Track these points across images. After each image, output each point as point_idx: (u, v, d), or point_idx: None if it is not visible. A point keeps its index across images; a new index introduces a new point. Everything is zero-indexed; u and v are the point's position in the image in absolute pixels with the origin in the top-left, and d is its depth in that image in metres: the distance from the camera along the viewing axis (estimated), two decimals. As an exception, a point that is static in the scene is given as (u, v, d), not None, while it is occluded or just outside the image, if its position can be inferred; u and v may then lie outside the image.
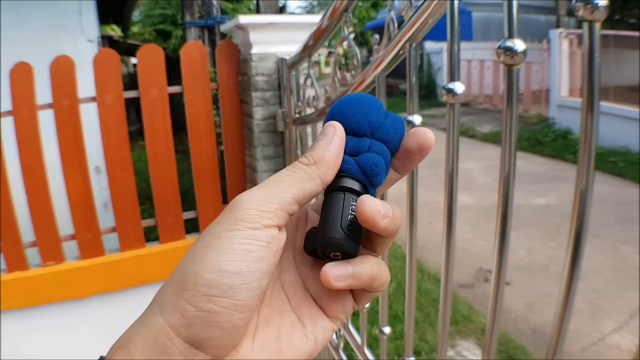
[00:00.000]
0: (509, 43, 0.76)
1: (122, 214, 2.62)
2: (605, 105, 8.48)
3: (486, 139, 10.36)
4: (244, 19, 2.36)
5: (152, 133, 2.56)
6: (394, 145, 0.43)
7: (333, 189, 0.41)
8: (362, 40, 24.93)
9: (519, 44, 0.76)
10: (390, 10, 1.24)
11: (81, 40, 4.38)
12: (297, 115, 2.28)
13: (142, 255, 2.66)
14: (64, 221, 2.62)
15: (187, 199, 3.03)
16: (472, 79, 14.40)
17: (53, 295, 2.63)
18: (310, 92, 2.08)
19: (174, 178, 2.64)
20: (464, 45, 15.15)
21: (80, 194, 2.56)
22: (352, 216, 0.39)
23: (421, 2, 1.09)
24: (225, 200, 2.80)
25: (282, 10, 3.76)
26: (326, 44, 1.90)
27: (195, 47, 2.60)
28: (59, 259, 2.62)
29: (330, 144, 0.40)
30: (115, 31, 11.69)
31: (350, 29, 1.61)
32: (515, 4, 0.78)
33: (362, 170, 0.41)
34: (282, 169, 0.41)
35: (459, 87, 0.96)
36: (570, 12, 12.48)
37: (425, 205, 6.07)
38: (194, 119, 2.62)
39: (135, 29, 11.57)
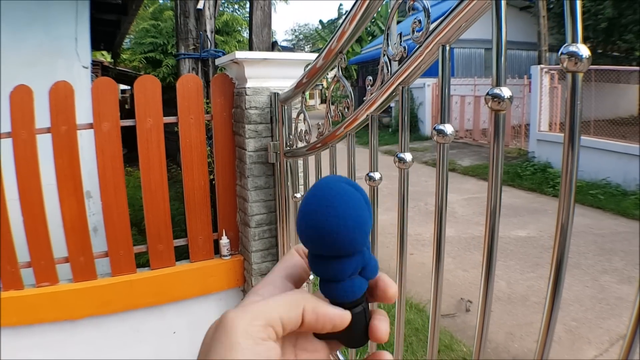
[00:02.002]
0: (497, 90, 0.86)
1: (115, 239, 2.65)
2: (585, 138, 8.73)
3: (466, 172, 10.52)
4: (240, 54, 2.45)
5: (147, 161, 2.61)
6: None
7: (356, 304, 0.43)
8: (346, 74, 25.24)
9: (505, 91, 0.85)
10: (384, 55, 1.33)
11: (76, 65, 4.40)
12: (289, 148, 2.36)
13: (133, 280, 2.68)
14: (58, 244, 2.64)
15: (175, 226, 3.07)
16: (453, 113, 14.56)
17: (47, 316, 2.64)
18: (302, 126, 2.15)
19: (166, 206, 2.69)
20: (438, 79, 15.46)
21: (74, 218, 2.59)
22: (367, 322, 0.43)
23: (415, 48, 1.18)
24: (215, 229, 2.85)
25: (273, 45, 3.84)
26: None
27: (191, 79, 2.68)
28: (53, 280, 2.64)
29: (340, 319, 0.42)
30: (105, 57, 11.75)
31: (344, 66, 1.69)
32: (503, 57, 0.87)
33: (367, 279, 0.43)
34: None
35: (449, 128, 1.06)
36: (552, 48, 12.78)
37: (407, 236, 6.14)
38: (187, 148, 2.68)
39: (125, 55, 11.61)
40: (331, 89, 1.81)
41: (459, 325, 4.12)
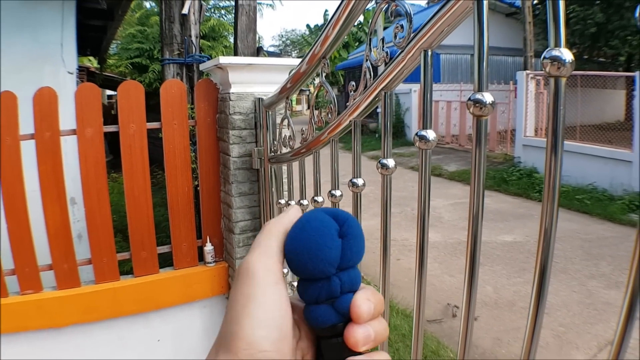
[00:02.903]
0: (478, 96, 0.85)
1: (98, 246, 2.63)
2: (571, 144, 8.84)
3: (452, 177, 10.59)
4: (224, 59, 2.44)
5: (130, 167, 2.59)
6: (357, 261, 0.46)
7: (331, 335, 0.45)
8: (333, 80, 25.32)
9: (487, 97, 0.85)
10: (367, 60, 1.33)
11: (62, 71, 4.38)
12: (273, 154, 2.35)
13: (117, 287, 2.66)
14: (42, 251, 2.62)
15: (161, 232, 3.04)
16: (439, 119, 14.70)
17: (31, 323, 2.61)
18: (286, 132, 2.14)
19: (150, 212, 2.67)
20: (420, 85, 15.56)
21: (58, 224, 2.56)
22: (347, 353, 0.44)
23: (397, 53, 1.18)
24: (200, 236, 2.83)
25: (258, 51, 3.84)
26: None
27: (174, 84, 2.66)
28: (37, 288, 2.61)
29: (293, 212, 0.48)
30: (92, 62, 11.70)
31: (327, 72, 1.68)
32: (485, 62, 0.87)
33: (342, 316, 0.44)
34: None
35: (431, 134, 1.05)
36: (538, 54, 12.90)
37: (394, 242, 6.15)
38: (171, 154, 2.67)
39: (111, 61, 11.57)
40: (314, 94, 1.81)
41: (446, 330, 4.12)
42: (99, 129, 2.54)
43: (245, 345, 0.39)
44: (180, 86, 2.65)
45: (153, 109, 2.68)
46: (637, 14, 0.74)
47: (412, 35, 1.11)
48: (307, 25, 26.14)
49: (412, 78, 1.27)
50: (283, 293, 0.43)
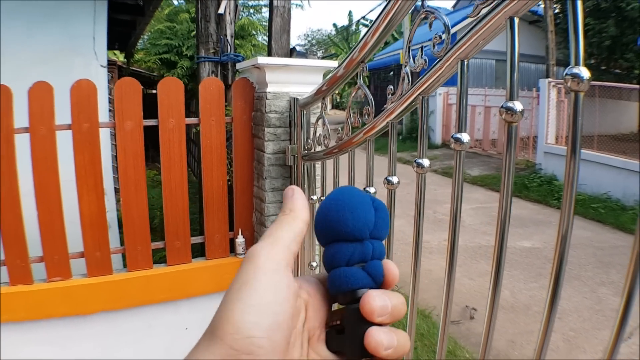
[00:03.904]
0: (510, 104, 0.94)
1: (133, 235, 2.72)
2: (588, 153, 8.84)
3: (475, 181, 10.58)
4: (261, 59, 2.54)
5: (168, 161, 2.69)
6: (385, 236, 0.48)
7: (351, 301, 0.45)
8: (353, 81, 25.36)
9: (518, 105, 0.94)
10: (405, 66, 1.41)
11: (94, 64, 4.48)
12: (306, 152, 2.45)
13: (150, 275, 2.75)
14: (71, 239, 2.68)
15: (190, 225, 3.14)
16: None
17: (56, 310, 2.66)
18: (320, 131, 2.23)
19: (185, 204, 2.77)
20: (456, 90, 15.41)
21: (93, 214, 2.65)
22: None
23: (435, 62, 1.27)
24: (232, 228, 2.93)
25: (292, 52, 3.92)
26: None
27: (213, 82, 2.76)
28: (66, 275, 2.68)
29: (294, 199, 0.48)
30: (117, 56, 11.83)
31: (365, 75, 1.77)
32: (516, 73, 0.96)
33: (373, 279, 0.45)
34: None
35: (465, 137, 1.14)
36: (559, 62, 12.88)
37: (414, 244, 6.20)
38: (207, 149, 2.77)
39: (139, 55, 11.66)
40: (352, 95, 1.89)
41: (463, 332, 4.19)
42: (139, 122, 2.63)
43: (232, 330, 0.38)
44: (219, 84, 2.75)
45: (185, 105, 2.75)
46: None
47: (449, 46, 1.20)
48: (334, 25, 26.10)
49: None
50: (282, 280, 0.42)
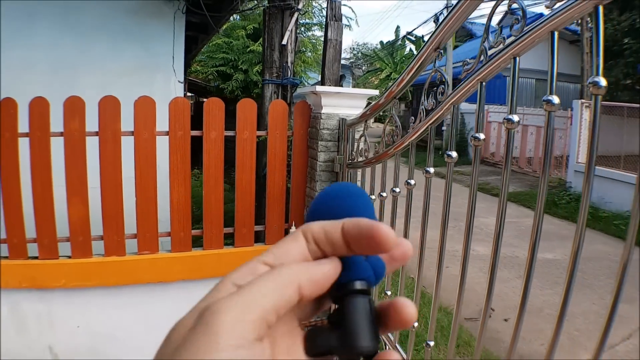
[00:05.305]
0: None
1: (210, 221, 3.35)
2: (615, 172, 9.15)
3: (509, 198, 10.65)
4: (319, 88, 3.18)
5: (242, 165, 3.33)
6: None
7: (351, 292, 0.39)
8: (401, 96, 25.51)
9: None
10: (427, 99, 2.00)
11: (172, 79, 5.11)
12: (350, 161, 3.09)
13: (221, 254, 3.37)
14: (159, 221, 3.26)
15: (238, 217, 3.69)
16: (501, 140, 14.86)
17: (142, 277, 3.22)
18: (362, 145, 2.88)
19: (252, 199, 3.41)
20: (496, 108, 15.37)
21: (181, 202, 3.28)
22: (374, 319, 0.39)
23: (463, 80, 1.86)
24: (287, 220, 3.57)
25: (341, 78, 4.55)
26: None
27: (279, 104, 3.41)
28: (153, 250, 3.27)
29: (334, 268, 0.38)
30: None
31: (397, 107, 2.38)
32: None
33: (375, 274, 0.41)
34: None
35: (481, 135, 1.66)
36: (595, 83, 12.86)
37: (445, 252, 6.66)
38: (272, 156, 3.40)
39: (194, 67, 12.21)
40: (386, 123, 2.52)
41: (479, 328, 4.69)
42: (221, 133, 3.27)
43: None
44: (284, 105, 3.40)
45: (233, 115, 3.16)
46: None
47: (476, 67, 1.72)
48: (381, 42, 26.37)
49: (473, 99, 1.65)
50: (247, 358, 0.31)
